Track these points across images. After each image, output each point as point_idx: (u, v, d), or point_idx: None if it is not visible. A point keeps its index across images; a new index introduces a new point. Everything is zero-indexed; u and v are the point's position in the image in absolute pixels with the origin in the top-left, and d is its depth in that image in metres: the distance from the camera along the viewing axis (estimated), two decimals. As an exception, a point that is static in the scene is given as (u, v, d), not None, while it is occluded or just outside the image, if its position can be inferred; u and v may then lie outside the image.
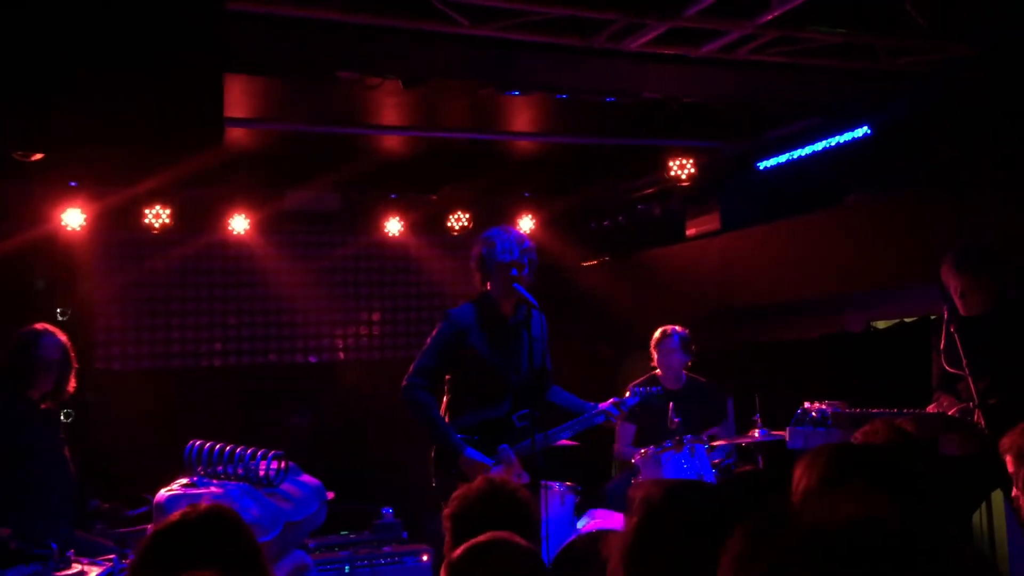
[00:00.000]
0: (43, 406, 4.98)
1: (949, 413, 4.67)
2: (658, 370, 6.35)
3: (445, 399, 5.04)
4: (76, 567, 4.22)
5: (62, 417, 5.27)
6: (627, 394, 5.33)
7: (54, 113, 3.31)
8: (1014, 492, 3.09)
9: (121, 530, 4.98)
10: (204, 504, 2.21)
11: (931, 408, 4.87)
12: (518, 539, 2.24)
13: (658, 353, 6.32)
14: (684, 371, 6.39)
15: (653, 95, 5.43)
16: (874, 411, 4.62)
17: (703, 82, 5.15)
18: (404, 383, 4.90)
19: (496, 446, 4.86)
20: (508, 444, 4.87)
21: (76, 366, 4.99)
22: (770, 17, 4.41)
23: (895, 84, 5.40)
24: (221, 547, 2.07)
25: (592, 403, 5.20)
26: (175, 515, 2.17)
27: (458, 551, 2.24)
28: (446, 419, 4.94)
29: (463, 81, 5.25)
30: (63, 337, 4.97)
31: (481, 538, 2.28)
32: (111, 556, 4.39)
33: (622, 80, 5.04)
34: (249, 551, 2.11)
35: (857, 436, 3.06)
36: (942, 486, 2.83)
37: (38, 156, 4.84)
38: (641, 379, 6.35)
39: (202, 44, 3.60)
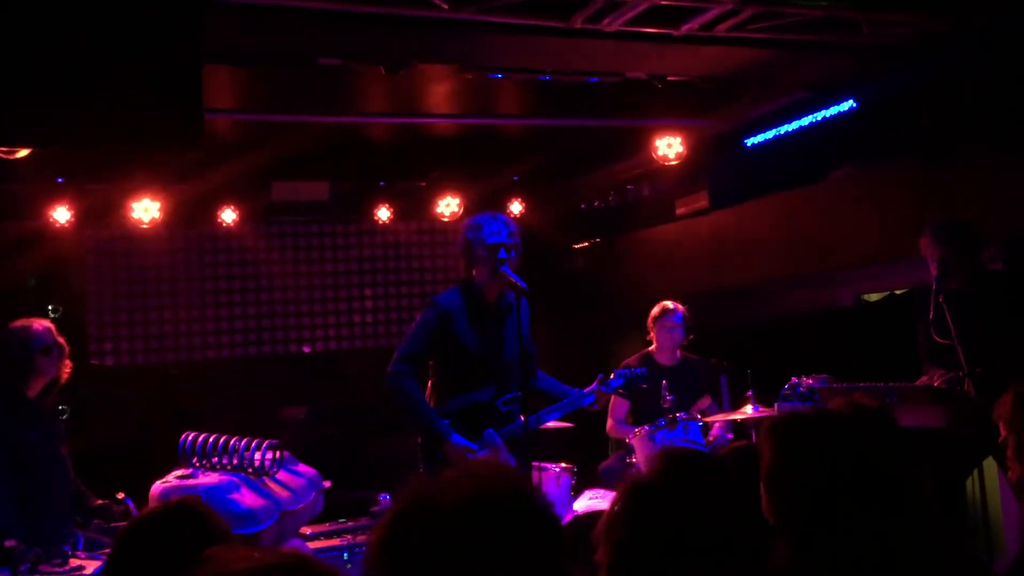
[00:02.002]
0: (47, 399, 4.92)
1: (935, 384, 4.69)
2: (653, 346, 6.36)
3: (429, 385, 5.05)
4: (74, 562, 4.24)
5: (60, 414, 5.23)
6: (611, 376, 5.33)
7: (33, 110, 3.31)
8: (1009, 455, 3.10)
9: (119, 524, 4.99)
10: (172, 499, 2.24)
11: (922, 380, 4.89)
12: None
13: (657, 329, 6.29)
14: (679, 349, 6.39)
15: (637, 75, 5.42)
16: (861, 384, 4.64)
17: (686, 60, 5.14)
18: (389, 369, 4.89)
19: (482, 431, 4.86)
20: (494, 429, 4.88)
21: (68, 349, 4.96)
22: (750, -8, 4.40)
23: (880, 57, 5.39)
24: (190, 539, 2.09)
25: (577, 389, 5.21)
26: (142, 513, 2.22)
27: None
28: (431, 405, 4.95)
29: (446, 66, 5.25)
30: (52, 327, 4.95)
31: None
32: (108, 551, 4.41)
33: (603, 60, 5.03)
34: (220, 541, 2.13)
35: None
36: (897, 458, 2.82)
37: (22, 154, 4.83)
38: (635, 356, 6.36)
39: (180, 38, 3.59)
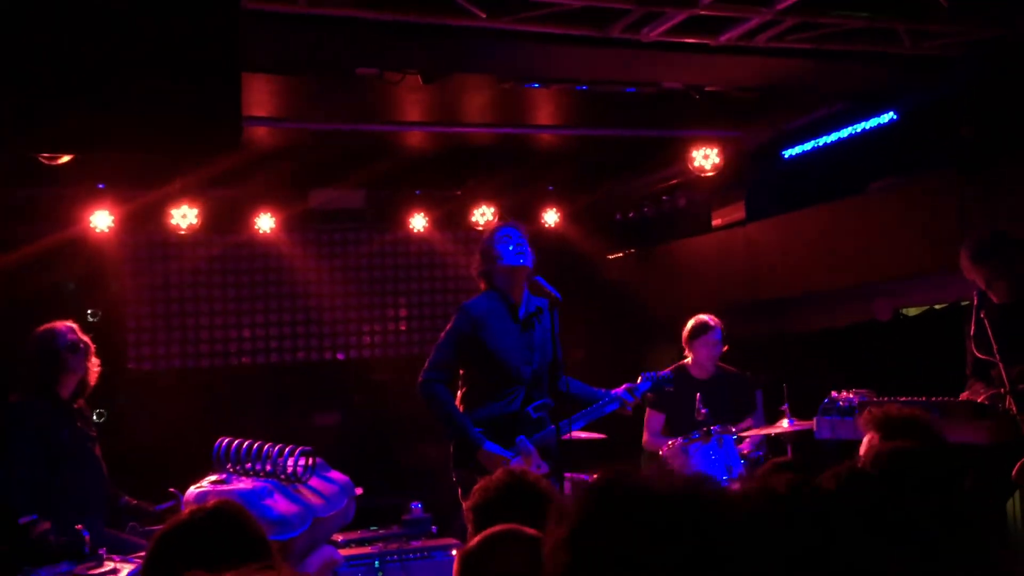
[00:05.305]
0: (76, 404, 5.02)
1: (979, 400, 4.61)
2: (688, 360, 6.29)
3: (460, 392, 5.04)
4: (108, 564, 4.27)
5: (94, 416, 5.31)
6: (639, 380, 5.30)
7: (73, 116, 3.35)
8: None
9: (152, 527, 5.03)
10: (210, 502, 2.23)
11: (965, 395, 4.81)
12: (530, 531, 2.24)
13: (696, 345, 6.19)
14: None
15: (674, 85, 5.40)
16: (902, 399, 4.56)
17: (724, 71, 5.11)
18: (420, 378, 4.91)
19: (513, 438, 4.85)
20: (525, 436, 4.87)
21: (92, 347, 5.05)
22: (790, 3, 4.36)
23: (920, 68, 5.33)
24: (228, 543, 2.09)
25: (605, 390, 5.18)
26: (181, 515, 2.21)
27: (471, 543, 2.25)
28: (461, 412, 4.96)
29: (483, 75, 5.26)
30: (76, 326, 5.06)
31: (493, 529, 2.29)
32: (142, 554, 4.44)
33: (641, 71, 5.01)
34: (257, 545, 2.13)
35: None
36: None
37: (64, 159, 4.90)
38: (669, 368, 6.29)
39: (218, 46, 3.62)
